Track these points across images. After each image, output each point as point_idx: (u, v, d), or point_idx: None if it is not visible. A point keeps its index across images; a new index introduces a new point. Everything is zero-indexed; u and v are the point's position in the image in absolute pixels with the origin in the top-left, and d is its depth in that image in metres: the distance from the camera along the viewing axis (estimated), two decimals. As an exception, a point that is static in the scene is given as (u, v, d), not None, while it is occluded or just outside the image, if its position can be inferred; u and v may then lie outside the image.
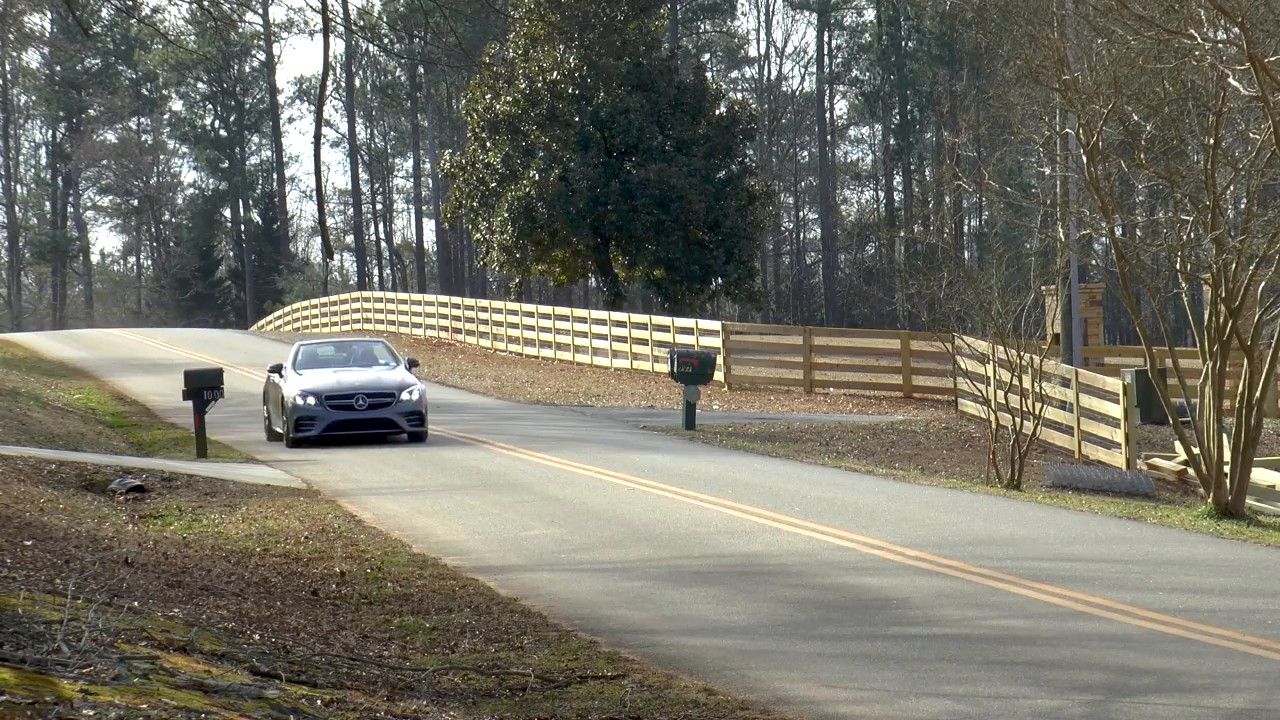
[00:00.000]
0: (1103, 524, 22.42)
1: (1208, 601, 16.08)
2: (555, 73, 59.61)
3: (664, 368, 45.44)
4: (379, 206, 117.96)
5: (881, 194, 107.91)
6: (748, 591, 17.21)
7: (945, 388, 43.00)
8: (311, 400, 32.50)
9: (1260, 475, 30.40)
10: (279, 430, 33.38)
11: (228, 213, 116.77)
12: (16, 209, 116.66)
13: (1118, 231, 29.94)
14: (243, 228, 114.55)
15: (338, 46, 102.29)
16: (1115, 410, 34.41)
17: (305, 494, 25.97)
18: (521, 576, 18.72)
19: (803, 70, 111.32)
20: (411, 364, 34.56)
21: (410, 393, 32.76)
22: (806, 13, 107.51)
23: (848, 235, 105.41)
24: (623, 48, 59.97)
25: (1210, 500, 26.28)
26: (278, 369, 34.02)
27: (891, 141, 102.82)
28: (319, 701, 10.89)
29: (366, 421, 32.58)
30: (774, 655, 14.31)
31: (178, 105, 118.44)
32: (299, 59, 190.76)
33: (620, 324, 53.65)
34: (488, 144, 60.85)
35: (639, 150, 59.50)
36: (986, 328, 33.23)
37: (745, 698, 12.60)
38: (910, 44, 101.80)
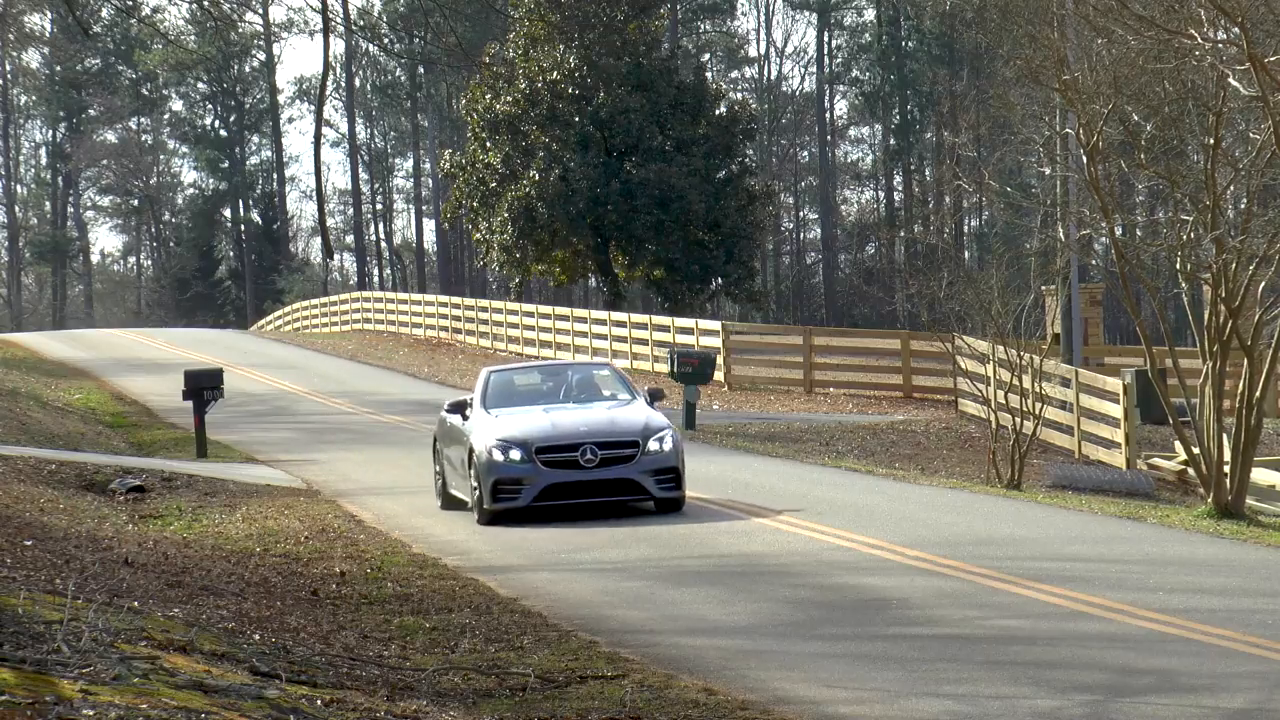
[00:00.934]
0: (1103, 524, 22.43)
1: (1208, 601, 16.08)
2: (555, 73, 59.60)
3: (664, 368, 45.43)
4: (379, 206, 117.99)
5: (881, 194, 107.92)
6: (748, 591, 17.22)
7: (945, 388, 43.00)
8: (516, 454, 22.83)
9: (1260, 475, 30.41)
10: (459, 495, 23.99)
11: (228, 213, 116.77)
12: (16, 209, 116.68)
13: (1118, 231, 29.95)
14: (243, 228, 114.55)
15: (338, 46, 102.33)
16: (1115, 410, 34.41)
17: (305, 494, 25.99)
18: (521, 576, 18.74)
19: (803, 70, 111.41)
20: (654, 396, 24.70)
21: (661, 440, 23.01)
22: (806, 13, 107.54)
23: (848, 235, 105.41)
24: (623, 48, 59.96)
25: (1210, 500, 26.28)
26: (458, 408, 24.39)
27: (891, 141, 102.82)
28: (319, 701, 10.89)
29: (597, 485, 22.88)
30: (774, 655, 14.31)
31: (178, 105, 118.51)
32: (299, 59, 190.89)
33: (620, 324, 53.66)
34: (488, 144, 60.84)
35: (639, 150, 59.49)
36: (986, 328, 33.25)
37: (745, 698, 12.60)
38: (910, 44, 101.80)
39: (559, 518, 22.70)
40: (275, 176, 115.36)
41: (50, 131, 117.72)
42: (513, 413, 23.76)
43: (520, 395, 24.73)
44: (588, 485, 22.87)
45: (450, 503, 24.34)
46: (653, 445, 22.91)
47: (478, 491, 22.92)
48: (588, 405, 24.28)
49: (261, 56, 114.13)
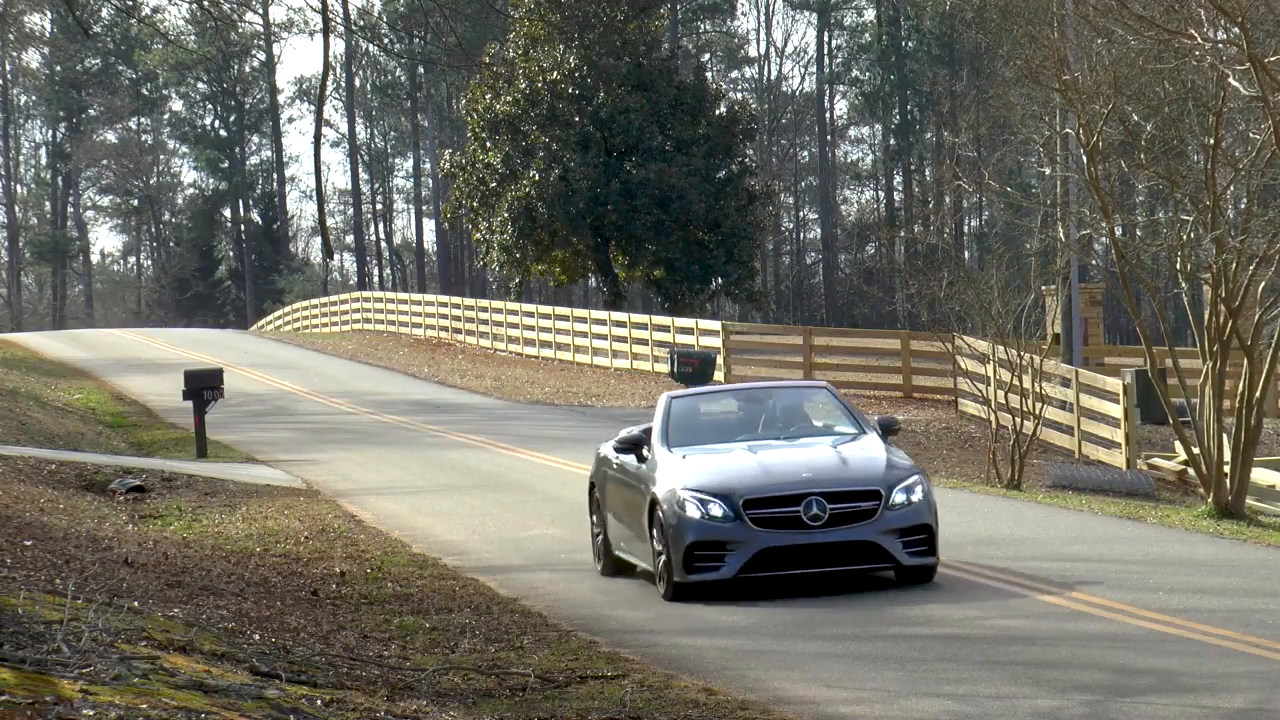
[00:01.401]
0: (1103, 524, 22.43)
1: (1208, 601, 16.08)
2: (555, 73, 59.61)
3: (664, 368, 45.43)
4: (379, 206, 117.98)
5: (881, 194, 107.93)
6: (747, 591, 17.20)
7: (945, 388, 42.99)
8: (717, 509, 17.23)
9: (1260, 475, 30.40)
10: (631, 559, 18.69)
11: (228, 213, 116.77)
12: (16, 209, 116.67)
13: (1118, 231, 29.95)
14: (243, 228, 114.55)
15: (338, 46, 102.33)
16: (1115, 410, 34.40)
17: (305, 494, 25.98)
18: (521, 576, 18.74)
19: (803, 70, 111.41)
20: (887, 428, 18.96)
21: (909, 490, 17.47)
22: (806, 13, 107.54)
23: (848, 235, 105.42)
24: (623, 48, 59.96)
25: (1210, 500, 26.28)
26: (632, 446, 18.74)
27: (891, 141, 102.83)
28: (319, 701, 10.89)
29: (826, 550, 17.20)
30: (774, 655, 14.32)
31: (178, 105, 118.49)
32: (299, 59, 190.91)
33: (620, 324, 53.65)
34: (488, 144, 60.85)
35: (639, 150, 59.50)
36: (986, 328, 33.24)
37: (745, 698, 12.61)
38: (910, 44, 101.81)
39: (775, 592, 17.23)
40: (275, 176, 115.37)
41: (50, 131, 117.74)
42: (706, 453, 18.20)
43: (709, 428, 19.10)
44: (813, 551, 17.21)
45: (616, 568, 18.98)
46: (898, 497, 17.35)
47: (663, 557, 17.42)
48: (803, 443, 18.55)
49: (261, 56, 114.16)
